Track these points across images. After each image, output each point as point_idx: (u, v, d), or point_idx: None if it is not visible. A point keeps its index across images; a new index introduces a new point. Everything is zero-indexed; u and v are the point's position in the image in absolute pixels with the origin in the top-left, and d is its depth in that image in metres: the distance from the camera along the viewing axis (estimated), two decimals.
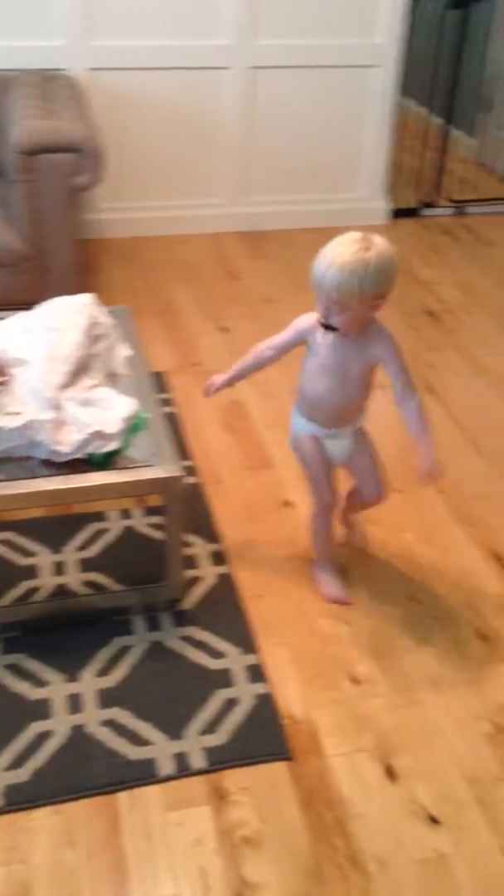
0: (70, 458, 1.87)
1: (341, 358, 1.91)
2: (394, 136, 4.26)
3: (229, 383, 2.07)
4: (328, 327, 1.85)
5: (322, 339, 1.91)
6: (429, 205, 4.56)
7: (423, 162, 4.63)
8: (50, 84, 3.44)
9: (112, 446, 1.89)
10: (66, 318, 2.14)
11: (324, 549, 2.18)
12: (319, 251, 1.76)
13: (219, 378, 2.07)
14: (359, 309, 1.78)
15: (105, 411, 1.94)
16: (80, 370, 2.03)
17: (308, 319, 1.94)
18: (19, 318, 2.21)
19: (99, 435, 1.88)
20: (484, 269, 4.00)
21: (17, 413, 1.89)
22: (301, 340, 1.96)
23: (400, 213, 4.47)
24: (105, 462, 1.89)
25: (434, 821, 1.65)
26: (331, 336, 1.89)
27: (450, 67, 4.48)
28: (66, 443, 1.87)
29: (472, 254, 4.17)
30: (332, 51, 3.94)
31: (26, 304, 2.31)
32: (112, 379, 2.12)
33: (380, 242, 1.75)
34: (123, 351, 2.19)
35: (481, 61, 5.01)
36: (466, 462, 2.69)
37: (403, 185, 4.55)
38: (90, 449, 1.87)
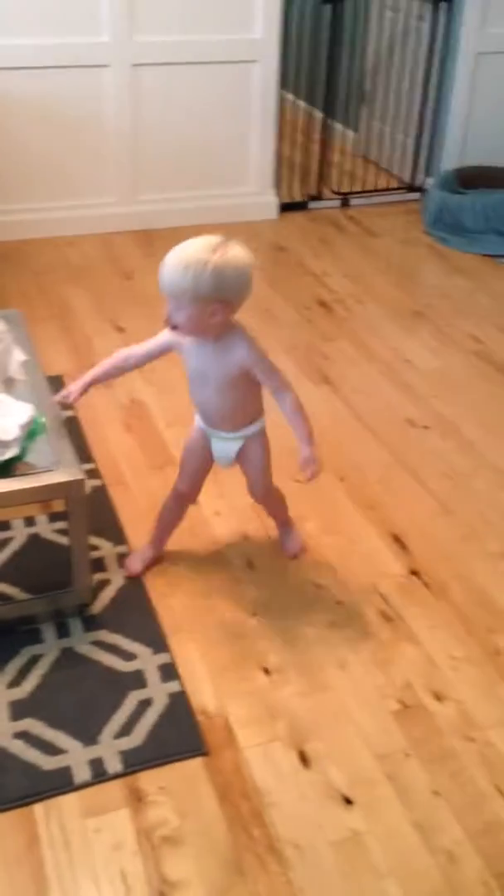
0: None
1: (203, 363, 1.92)
2: (278, 131, 4.32)
3: (85, 389, 2.00)
4: (173, 326, 1.84)
5: (189, 345, 1.91)
6: (315, 198, 4.64)
7: (308, 155, 4.70)
8: None
9: (10, 454, 1.87)
10: None
11: (159, 533, 2.22)
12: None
13: (75, 386, 2.01)
14: (195, 309, 1.76)
15: (1, 418, 1.91)
16: None
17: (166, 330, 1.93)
18: None
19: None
20: (371, 259, 4.10)
21: None
22: (168, 348, 1.96)
23: (288, 207, 4.54)
24: (3, 470, 1.87)
25: (348, 801, 1.70)
26: (193, 342, 1.89)
27: (327, 61, 4.55)
28: None
29: (359, 244, 4.27)
30: (211, 46, 3.97)
31: None
32: (8, 384, 2.09)
33: (233, 250, 1.74)
34: (18, 356, 2.16)
35: (356, 55, 5.11)
36: (363, 448, 2.76)
37: (289, 179, 4.61)
38: None
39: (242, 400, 2.00)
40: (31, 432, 1.93)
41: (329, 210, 4.64)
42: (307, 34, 4.44)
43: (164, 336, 1.95)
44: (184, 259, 1.72)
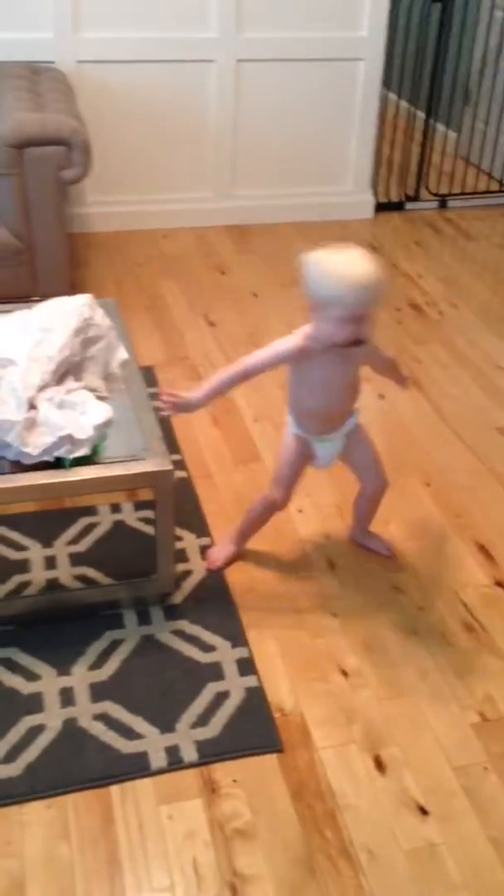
0: (38, 460, 1.87)
1: (337, 370, 1.92)
2: (378, 130, 4.28)
3: (204, 403, 1.95)
4: (358, 342, 1.82)
5: (319, 357, 1.88)
6: (412, 198, 4.58)
7: (407, 155, 4.64)
8: (38, 77, 3.43)
9: (81, 452, 1.89)
10: (56, 318, 2.13)
11: (243, 531, 2.21)
12: (330, 268, 1.76)
13: (193, 396, 1.94)
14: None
15: (81, 415, 1.94)
16: (65, 371, 2.03)
17: (291, 344, 1.88)
18: (17, 316, 2.20)
19: (69, 439, 1.88)
20: (466, 263, 4.03)
21: None
22: (291, 358, 1.92)
23: (383, 207, 4.49)
24: (73, 465, 1.89)
25: (423, 811, 1.67)
26: (324, 351, 1.87)
27: (432, 61, 4.49)
28: (35, 445, 1.87)
29: (454, 247, 4.20)
30: (316, 44, 3.95)
31: (15, 299, 2.31)
32: (109, 380, 2.12)
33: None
34: (121, 353, 2.19)
35: (463, 55, 5.03)
36: (452, 454, 2.71)
37: (387, 179, 4.56)
38: (59, 453, 1.87)
39: (354, 397, 2.04)
40: (103, 436, 1.94)
41: (426, 211, 4.58)
42: (414, 33, 4.39)
43: (289, 346, 1.88)
44: (379, 276, 1.78)
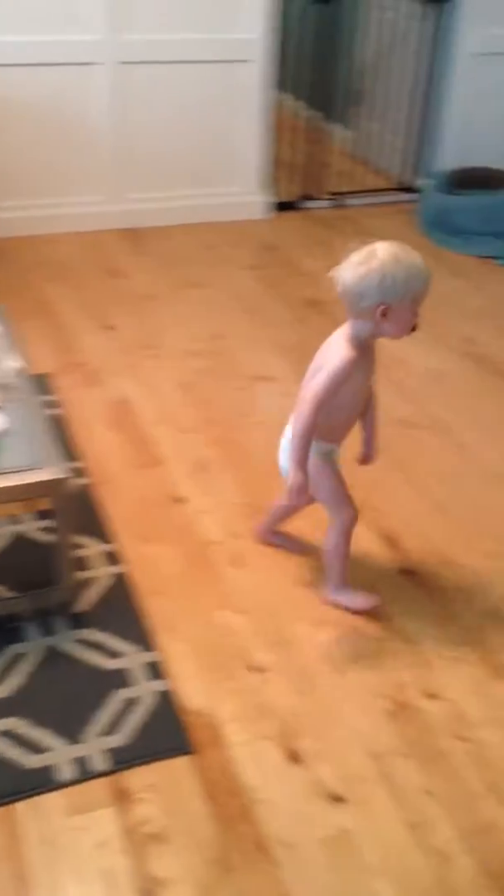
0: None
1: (370, 368, 1.93)
2: (271, 131, 4.30)
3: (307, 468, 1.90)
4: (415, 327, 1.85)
5: (361, 359, 1.87)
6: (309, 198, 4.62)
7: (303, 155, 4.69)
8: None
9: None
10: None
11: (346, 567, 2.10)
12: (408, 262, 1.79)
13: (299, 477, 1.87)
14: None
15: None
16: None
17: (347, 358, 1.84)
18: None
19: None
20: None
21: None
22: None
23: (282, 207, 4.52)
24: None
25: (338, 799, 1.67)
26: (364, 354, 1.88)
27: (321, 61, 4.55)
28: None
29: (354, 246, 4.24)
30: (203, 45, 3.95)
31: None
32: (5, 390, 2.07)
33: None
34: (12, 362, 2.14)
35: (351, 54, 5.11)
36: (355, 447, 2.72)
37: (284, 179, 4.60)
38: None
39: None
40: None
41: (323, 210, 4.62)
42: (304, 34, 4.44)
43: (346, 361, 1.84)
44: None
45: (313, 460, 1.94)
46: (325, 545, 2.08)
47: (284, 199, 4.55)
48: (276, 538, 2.29)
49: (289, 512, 2.23)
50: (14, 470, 1.87)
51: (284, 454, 2.00)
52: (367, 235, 4.57)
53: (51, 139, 3.92)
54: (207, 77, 4.03)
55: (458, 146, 4.63)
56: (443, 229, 4.28)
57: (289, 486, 1.88)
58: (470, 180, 4.47)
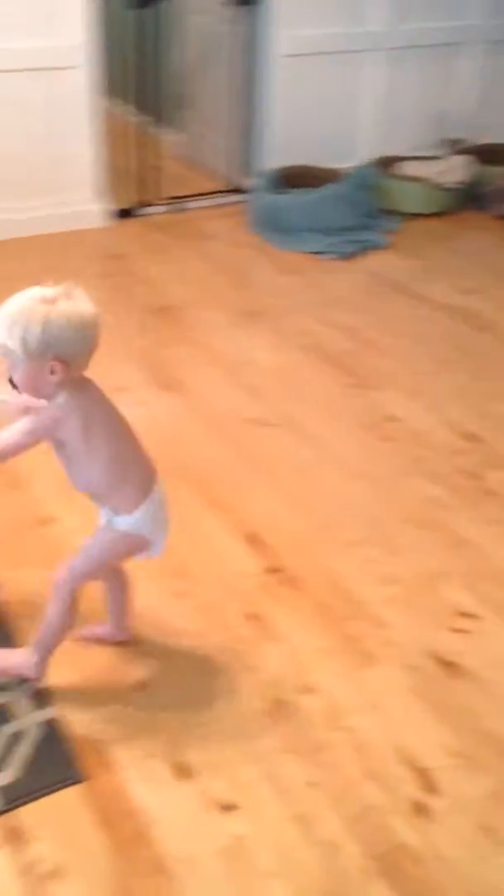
0: None
1: None
2: (102, 137, 4.28)
3: None
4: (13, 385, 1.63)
5: None
6: (148, 203, 4.63)
7: (137, 161, 4.69)
8: None
9: None
10: None
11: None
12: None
13: None
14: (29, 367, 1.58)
15: None
16: None
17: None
18: None
19: None
20: (204, 262, 4.14)
21: None
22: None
23: (120, 214, 4.51)
24: None
25: (228, 807, 1.73)
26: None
27: (144, 67, 4.55)
28: None
29: (191, 248, 4.30)
30: (24, 54, 3.88)
31: None
32: None
33: (69, 302, 1.57)
34: None
35: (175, 60, 5.14)
36: (211, 451, 2.79)
37: (120, 186, 4.59)
38: None
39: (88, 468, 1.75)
40: None
41: (161, 215, 4.65)
42: (124, 40, 4.42)
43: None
44: (12, 314, 1.55)
45: None
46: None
47: (123, 206, 4.54)
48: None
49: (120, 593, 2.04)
50: None
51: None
52: (206, 238, 4.66)
53: None
54: (31, 85, 3.97)
55: (280, 146, 4.75)
56: (273, 228, 4.39)
57: None
58: (294, 178, 4.60)
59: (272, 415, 3.00)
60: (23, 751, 1.80)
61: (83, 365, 1.64)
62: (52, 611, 1.85)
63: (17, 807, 1.70)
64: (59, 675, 1.97)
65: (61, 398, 1.64)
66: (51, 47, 3.93)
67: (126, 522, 1.79)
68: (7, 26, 3.80)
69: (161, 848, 1.65)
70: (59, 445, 1.70)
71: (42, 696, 1.91)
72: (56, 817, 1.69)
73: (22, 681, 1.94)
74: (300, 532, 2.46)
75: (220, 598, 2.22)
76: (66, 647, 2.04)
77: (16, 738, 1.82)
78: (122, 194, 4.58)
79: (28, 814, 1.69)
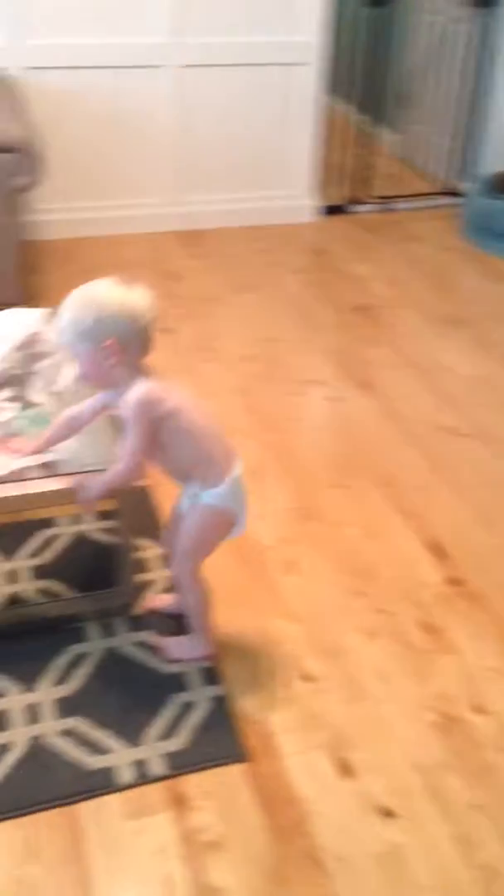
0: None
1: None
2: (321, 134, 4.31)
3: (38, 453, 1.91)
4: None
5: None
6: (357, 202, 4.63)
7: (351, 159, 4.69)
8: None
9: None
10: (3, 329, 2.13)
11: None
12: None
13: (28, 448, 1.91)
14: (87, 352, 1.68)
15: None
16: (2, 384, 2.04)
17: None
18: None
19: None
20: (411, 264, 4.09)
21: None
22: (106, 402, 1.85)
23: (329, 210, 4.53)
24: None
25: (388, 813, 1.70)
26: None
27: (371, 65, 4.55)
28: None
29: (399, 249, 4.25)
30: (260, 49, 3.97)
31: None
32: (58, 397, 2.11)
33: (126, 291, 1.68)
34: (69, 371, 2.18)
35: (400, 59, 5.10)
36: (403, 455, 2.76)
37: (332, 183, 4.61)
38: None
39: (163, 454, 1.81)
40: None
41: (370, 214, 4.63)
42: (353, 38, 4.43)
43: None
44: (70, 303, 1.66)
45: None
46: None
47: (332, 202, 4.56)
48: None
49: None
50: (81, 470, 1.92)
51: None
52: (413, 240, 4.60)
53: (113, 141, 3.96)
54: (264, 80, 4.05)
55: (502, 150, 4.61)
56: (486, 233, 4.27)
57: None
58: None
59: (466, 424, 2.92)
60: (192, 721, 1.85)
61: (139, 353, 1.70)
62: (186, 600, 1.95)
63: (181, 774, 1.75)
64: (230, 656, 2.01)
65: (139, 383, 1.70)
66: (288, 43, 4.00)
67: (213, 495, 1.81)
68: (248, 21, 3.89)
69: (318, 841, 1.65)
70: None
71: (213, 673, 1.96)
72: (219, 791, 1.72)
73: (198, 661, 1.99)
74: (486, 546, 2.39)
75: (397, 603, 2.19)
76: (239, 634, 2.08)
77: (187, 707, 1.88)
78: (333, 191, 4.60)
79: (192, 783, 1.74)
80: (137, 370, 1.72)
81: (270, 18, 3.92)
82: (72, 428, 1.91)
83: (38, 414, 2.00)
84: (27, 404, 2.03)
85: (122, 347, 1.66)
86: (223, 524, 1.87)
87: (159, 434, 1.75)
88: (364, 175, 4.65)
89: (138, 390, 1.71)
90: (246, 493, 1.88)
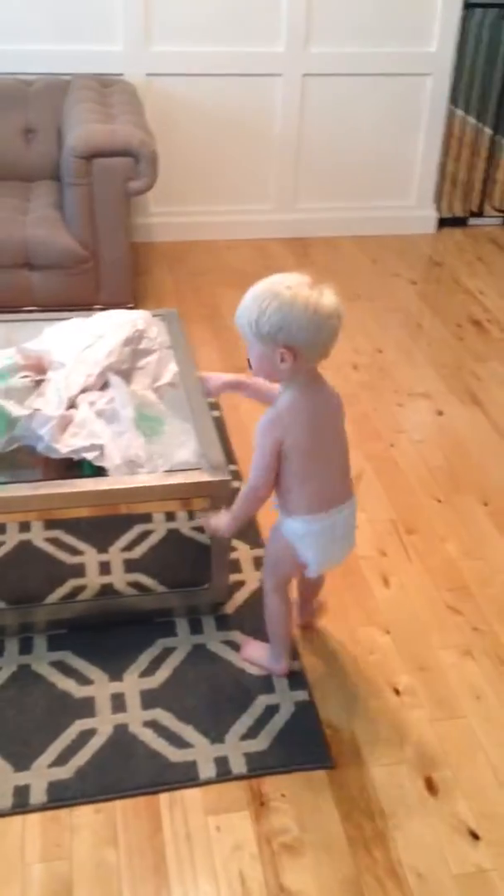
0: (62, 456, 1.91)
1: None
2: (443, 145, 4.25)
3: (226, 388, 1.91)
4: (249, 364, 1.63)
5: None
6: (476, 214, 4.54)
7: (472, 171, 4.61)
8: (107, 89, 3.49)
9: (104, 463, 1.91)
10: (110, 326, 2.18)
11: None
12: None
13: (217, 380, 1.91)
14: (259, 349, 1.57)
15: (118, 435, 1.96)
16: (107, 378, 2.08)
17: None
18: (74, 323, 2.25)
19: (99, 448, 1.91)
20: None
21: (37, 409, 1.95)
22: None
23: (447, 222, 4.46)
24: (93, 473, 1.92)
25: (475, 836, 1.64)
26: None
27: (501, 76, 4.46)
28: (65, 444, 1.91)
29: None
30: (384, 59, 3.94)
31: (79, 306, 2.35)
32: (160, 392, 2.15)
33: (315, 293, 1.52)
34: (173, 367, 2.22)
35: None
36: None
37: (453, 194, 4.53)
38: (85, 456, 1.91)
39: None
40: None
41: (489, 227, 4.53)
42: (483, 48, 4.36)
43: (272, 449, 1.68)
44: (255, 293, 1.54)
45: None
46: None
47: (450, 214, 4.49)
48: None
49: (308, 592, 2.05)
50: (178, 469, 1.94)
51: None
52: None
53: (228, 148, 4.01)
54: (387, 90, 4.02)
55: None
56: None
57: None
58: None
59: None
60: (276, 723, 1.83)
61: (315, 358, 1.58)
62: (265, 613, 1.91)
63: (263, 775, 1.73)
64: (317, 662, 1.98)
65: (285, 398, 1.62)
66: (412, 53, 3.96)
67: (286, 525, 1.74)
68: (376, 33, 3.87)
69: (399, 855, 1.60)
70: None
71: (301, 678, 1.93)
72: (300, 795, 1.70)
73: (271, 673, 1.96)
74: None
75: (497, 624, 2.12)
76: (330, 641, 2.05)
77: (271, 710, 1.86)
78: (453, 203, 4.53)
79: (271, 785, 1.72)
80: (305, 374, 1.61)
81: (395, 30, 3.89)
82: (264, 396, 1.80)
83: (147, 412, 2.03)
84: (135, 396, 2.07)
85: (297, 354, 1.54)
86: (287, 558, 1.78)
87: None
88: (485, 187, 4.56)
89: (272, 411, 1.64)
90: (339, 545, 1.78)
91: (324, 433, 1.67)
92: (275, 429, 1.63)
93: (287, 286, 1.51)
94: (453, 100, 4.24)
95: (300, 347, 1.53)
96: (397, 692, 1.93)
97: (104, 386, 2.07)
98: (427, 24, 3.91)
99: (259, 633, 2.01)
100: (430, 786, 1.73)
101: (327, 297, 1.52)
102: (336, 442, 1.72)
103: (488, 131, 4.60)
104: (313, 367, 1.62)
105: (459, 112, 4.85)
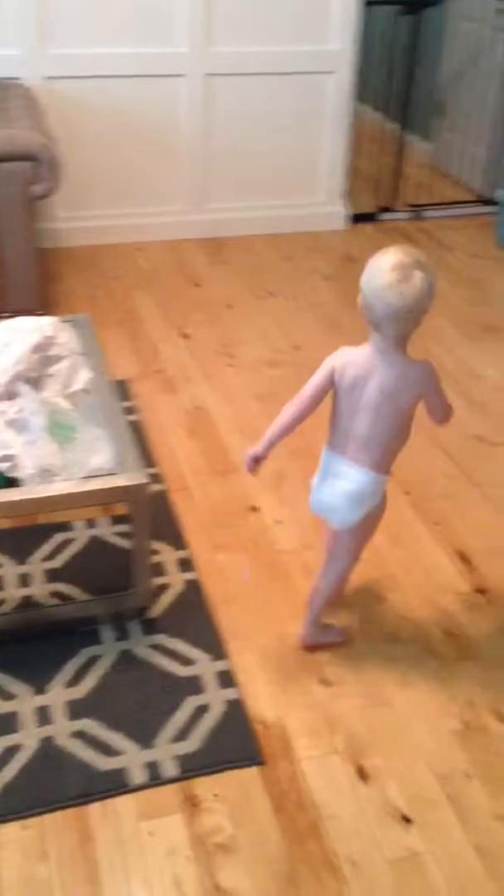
0: None
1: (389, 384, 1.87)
2: (351, 142, 4.30)
3: (269, 451, 1.88)
4: None
5: (372, 365, 1.83)
6: (387, 209, 4.60)
7: (381, 167, 4.67)
8: (4, 93, 3.43)
9: (15, 474, 1.88)
10: (17, 334, 2.15)
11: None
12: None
13: (257, 452, 1.87)
14: None
15: (29, 444, 1.93)
16: (15, 387, 2.05)
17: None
18: None
19: (9, 458, 1.88)
20: (443, 272, 4.04)
21: None
22: (330, 382, 1.88)
23: (358, 218, 4.51)
24: (6, 484, 1.88)
25: (406, 820, 1.66)
26: (380, 360, 1.81)
27: (403, 73, 4.53)
28: None
29: (430, 257, 4.20)
30: (286, 57, 3.97)
31: None
32: (73, 399, 2.12)
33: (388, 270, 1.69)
34: (85, 373, 2.18)
35: (434, 67, 5.08)
36: (430, 462, 2.71)
37: (361, 190, 4.59)
38: None
39: (398, 431, 1.88)
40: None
41: (401, 222, 4.60)
42: (386, 46, 4.42)
43: (325, 370, 1.82)
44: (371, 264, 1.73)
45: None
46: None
47: (362, 210, 4.54)
48: (326, 634, 2.06)
49: (329, 593, 2.01)
50: (94, 475, 1.91)
51: (350, 501, 1.87)
52: (445, 249, 4.54)
53: (135, 150, 3.98)
54: (291, 88, 4.05)
55: None
56: None
57: None
58: None
59: (499, 434, 2.87)
60: (206, 724, 1.82)
61: (390, 331, 1.72)
62: (334, 587, 2.01)
63: (194, 776, 1.72)
64: (246, 660, 1.98)
65: (363, 348, 1.81)
66: (315, 52, 3.99)
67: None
68: (277, 32, 3.89)
69: (332, 845, 1.60)
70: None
71: (228, 676, 1.93)
72: (232, 794, 1.69)
73: (210, 656, 1.96)
74: None
75: (421, 610, 2.15)
76: (257, 637, 2.05)
77: (201, 710, 1.85)
78: (363, 199, 4.58)
79: (204, 786, 1.71)
80: (382, 341, 1.76)
81: (297, 28, 3.92)
82: (299, 422, 1.87)
83: (60, 419, 2.00)
84: (46, 404, 2.03)
85: (375, 325, 1.73)
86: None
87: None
88: (394, 183, 4.63)
89: (345, 348, 1.84)
90: (320, 479, 1.90)
91: (361, 393, 1.80)
92: (334, 357, 1.82)
93: (377, 264, 1.70)
94: (360, 96, 4.30)
95: (374, 320, 1.72)
96: (326, 683, 1.94)
97: (13, 395, 2.03)
98: (328, 23, 3.95)
99: (184, 634, 2.00)
100: (362, 773, 1.74)
101: (403, 285, 1.67)
102: (367, 411, 1.81)
103: (396, 127, 4.66)
104: (390, 338, 1.74)
105: (367, 108, 4.91)
